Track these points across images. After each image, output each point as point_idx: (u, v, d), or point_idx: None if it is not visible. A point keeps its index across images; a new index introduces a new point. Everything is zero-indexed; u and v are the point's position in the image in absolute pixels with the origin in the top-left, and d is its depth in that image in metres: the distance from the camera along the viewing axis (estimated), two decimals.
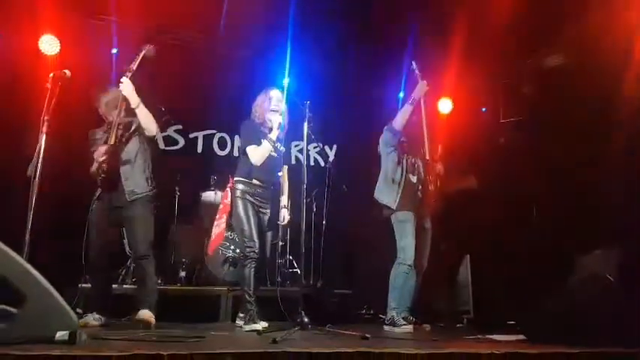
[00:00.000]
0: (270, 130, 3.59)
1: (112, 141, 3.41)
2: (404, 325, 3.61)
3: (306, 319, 2.76)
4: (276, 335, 2.44)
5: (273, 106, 3.62)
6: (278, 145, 3.63)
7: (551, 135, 5.19)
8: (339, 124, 6.16)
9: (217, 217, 4.76)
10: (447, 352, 2.10)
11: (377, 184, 4.07)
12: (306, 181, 3.28)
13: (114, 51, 5.42)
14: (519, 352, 2.18)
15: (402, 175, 3.94)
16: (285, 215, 3.73)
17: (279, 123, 3.57)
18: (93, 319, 3.37)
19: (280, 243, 5.55)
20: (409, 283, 3.81)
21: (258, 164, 3.51)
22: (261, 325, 3.26)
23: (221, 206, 4.80)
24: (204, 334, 2.73)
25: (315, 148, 6.68)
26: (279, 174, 3.74)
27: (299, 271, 5.46)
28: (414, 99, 3.92)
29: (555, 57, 5.38)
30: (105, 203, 3.48)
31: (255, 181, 3.57)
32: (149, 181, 3.54)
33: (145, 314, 3.35)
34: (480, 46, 5.15)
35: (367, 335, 2.64)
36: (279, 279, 5.36)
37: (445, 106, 6.03)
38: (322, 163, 6.66)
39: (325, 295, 4.98)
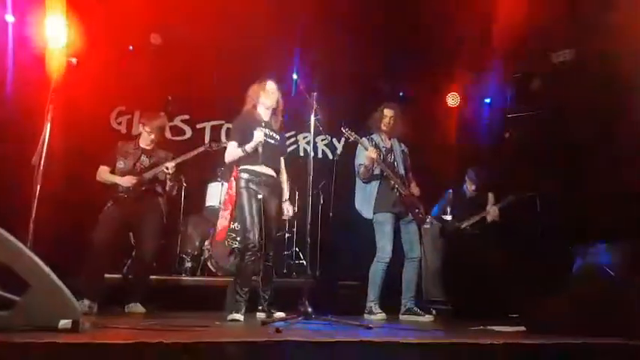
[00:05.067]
0: (262, 120, 3.61)
1: (149, 175, 3.95)
2: (379, 313, 3.93)
3: (309, 309, 2.74)
4: (279, 325, 2.43)
5: (266, 98, 3.63)
6: (272, 133, 3.60)
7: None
8: (348, 116, 6.13)
9: (222, 208, 4.76)
10: (447, 341, 2.08)
11: (355, 195, 4.23)
12: (312, 174, 3.24)
13: (130, 48, 5.51)
14: (519, 343, 2.15)
15: (377, 183, 4.09)
16: (288, 208, 3.71)
17: (272, 113, 3.66)
18: (84, 306, 3.50)
19: (287, 235, 5.55)
20: (409, 274, 4.06)
21: (226, 162, 3.59)
22: (240, 316, 3.23)
23: (226, 197, 4.78)
24: (208, 324, 2.72)
25: (323, 140, 6.66)
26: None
27: (305, 263, 5.48)
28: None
29: (564, 52, 5.34)
30: (120, 204, 3.85)
31: (260, 169, 3.52)
32: (163, 199, 4.08)
33: (139, 308, 3.81)
34: (487, 42, 5.10)
35: (370, 325, 2.63)
36: (285, 270, 5.38)
37: (453, 99, 5.98)
38: (330, 156, 6.64)
39: (329, 286, 4.98)
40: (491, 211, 4.82)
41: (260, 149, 3.42)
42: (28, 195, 2.75)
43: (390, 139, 4.27)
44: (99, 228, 3.75)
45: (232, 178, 3.64)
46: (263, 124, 3.58)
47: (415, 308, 3.99)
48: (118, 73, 5.19)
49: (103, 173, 3.94)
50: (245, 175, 3.50)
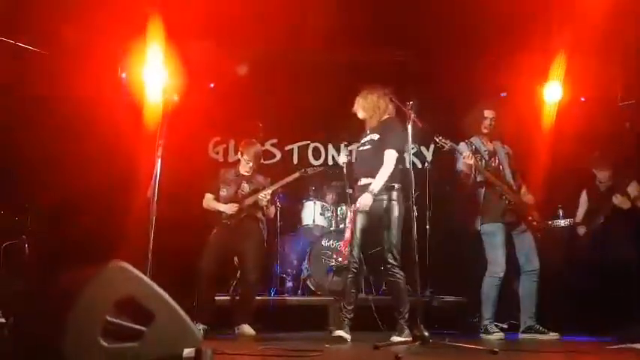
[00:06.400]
0: (367, 130, 3.60)
1: (249, 202, 4.11)
2: (496, 332, 3.69)
3: (426, 333, 2.58)
4: (396, 349, 2.32)
5: (358, 111, 3.62)
6: (370, 137, 3.52)
7: None
8: (434, 123, 5.90)
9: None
10: None
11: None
12: (413, 186, 3.10)
13: (211, 85, 5.77)
14: None
15: (481, 191, 3.85)
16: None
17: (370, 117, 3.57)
18: (200, 330, 3.60)
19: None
20: (527, 289, 3.76)
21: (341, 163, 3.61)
22: (344, 333, 3.23)
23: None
24: (320, 348, 2.67)
25: (412, 149, 6.47)
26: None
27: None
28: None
29: None
30: (225, 230, 4.03)
31: (360, 182, 3.45)
32: (263, 224, 4.28)
33: (248, 330, 3.87)
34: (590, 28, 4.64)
35: (496, 350, 2.42)
36: (383, 287, 5.24)
37: (553, 93, 5.46)
38: (419, 165, 6.43)
39: (432, 303, 4.77)
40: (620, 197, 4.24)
41: (345, 169, 3.50)
42: (144, 228, 2.90)
43: (491, 141, 3.98)
44: (206, 253, 3.96)
45: None
46: (369, 131, 3.56)
47: (537, 326, 3.68)
48: (210, 106, 5.47)
49: (209, 201, 4.19)
50: (352, 194, 3.56)
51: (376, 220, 3.37)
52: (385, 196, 3.35)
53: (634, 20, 4.65)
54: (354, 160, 3.63)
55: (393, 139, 3.34)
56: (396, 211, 3.34)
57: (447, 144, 3.73)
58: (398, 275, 3.30)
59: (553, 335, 3.60)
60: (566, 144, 5.08)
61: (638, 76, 5.05)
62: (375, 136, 3.48)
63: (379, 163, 3.36)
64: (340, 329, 3.28)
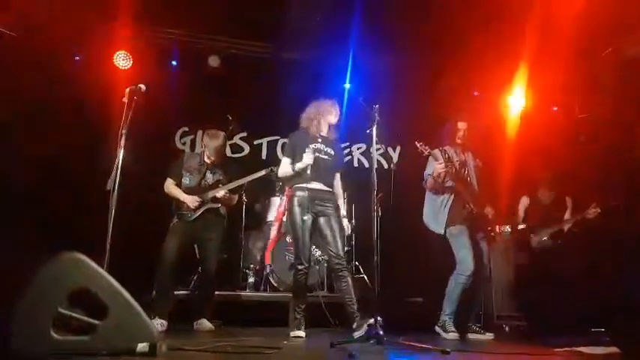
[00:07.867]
0: (319, 136, 3.65)
1: (210, 196, 4.03)
2: (452, 332, 3.73)
3: (381, 332, 2.64)
4: (350, 348, 2.36)
5: (330, 115, 3.69)
6: (327, 149, 3.63)
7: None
8: (402, 124, 5.99)
9: (274, 222, 5.07)
10: None
11: (424, 207, 4.09)
12: (376, 187, 3.16)
13: (173, 63, 5.67)
14: None
15: (449, 197, 3.94)
16: (346, 225, 3.65)
17: (329, 129, 3.69)
18: (157, 324, 3.58)
19: (346, 248, 5.47)
20: (473, 290, 3.85)
21: (279, 176, 3.67)
22: (302, 332, 3.37)
23: (279, 210, 5.00)
24: (278, 345, 2.69)
25: (378, 150, 6.56)
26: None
27: (365, 277, 5.37)
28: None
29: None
30: (185, 220, 3.97)
31: (314, 185, 3.53)
32: (224, 217, 4.19)
33: (207, 325, 3.87)
34: (555, 39, 4.81)
35: (448, 350, 2.50)
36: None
37: (517, 102, 5.65)
38: (386, 166, 6.52)
39: (391, 303, 4.85)
40: (591, 212, 4.45)
41: (309, 170, 3.46)
42: (103, 220, 2.84)
43: (464, 152, 4.09)
44: (166, 245, 3.87)
45: (285, 197, 3.72)
46: (320, 139, 3.63)
47: (474, 326, 3.87)
48: (180, 96, 5.38)
49: (170, 186, 4.07)
50: (297, 193, 3.52)
51: (325, 221, 3.53)
52: (331, 205, 3.56)
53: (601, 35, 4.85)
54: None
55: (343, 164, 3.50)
56: (340, 220, 3.58)
57: (427, 150, 3.82)
58: (346, 275, 3.43)
59: (489, 335, 3.78)
60: (529, 152, 5.27)
61: (597, 90, 5.26)
62: (332, 152, 3.67)
63: (331, 176, 3.63)
64: (297, 329, 3.40)
